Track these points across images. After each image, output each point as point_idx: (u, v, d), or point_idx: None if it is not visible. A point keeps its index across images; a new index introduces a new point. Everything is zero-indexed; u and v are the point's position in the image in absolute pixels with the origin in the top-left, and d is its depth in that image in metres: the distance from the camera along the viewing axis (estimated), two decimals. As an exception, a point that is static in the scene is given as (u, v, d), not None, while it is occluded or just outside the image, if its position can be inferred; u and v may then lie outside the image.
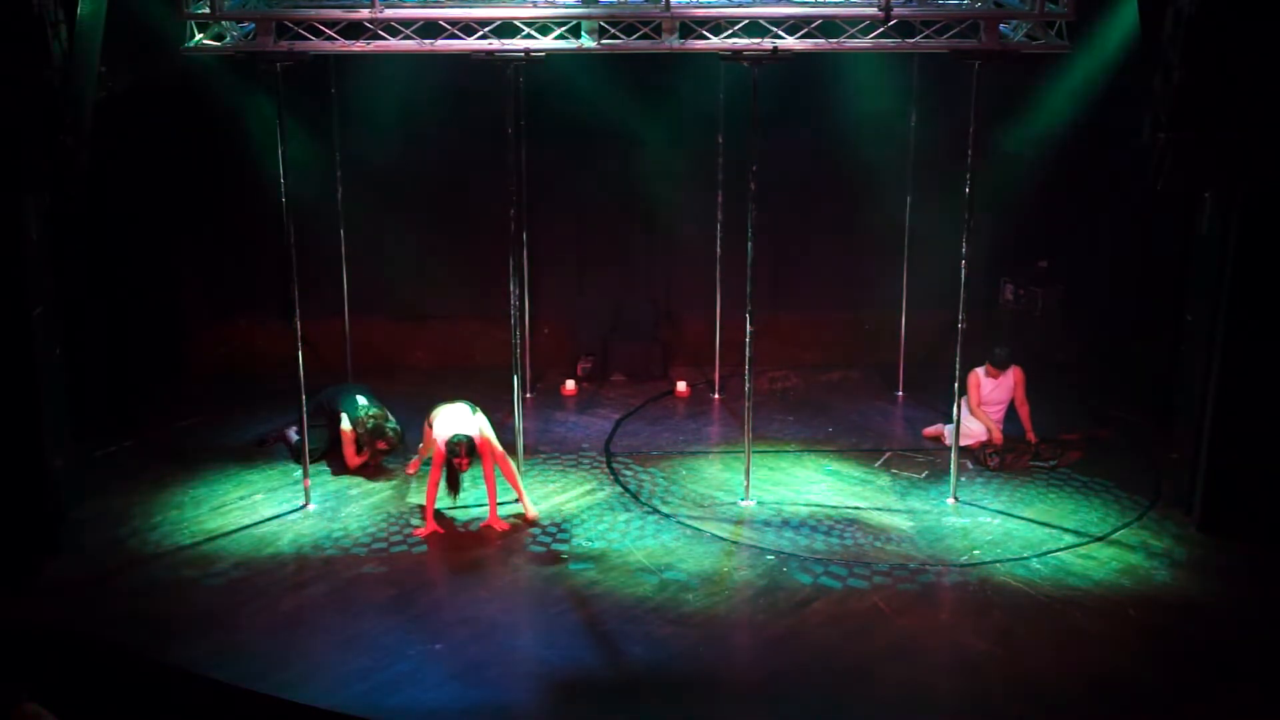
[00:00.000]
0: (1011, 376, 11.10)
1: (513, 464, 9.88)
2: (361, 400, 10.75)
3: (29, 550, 8.96)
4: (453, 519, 9.77)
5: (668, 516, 9.83)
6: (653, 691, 7.72)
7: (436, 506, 9.64)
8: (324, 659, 7.91)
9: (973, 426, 10.93)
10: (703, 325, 12.72)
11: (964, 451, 10.55)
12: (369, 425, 10.56)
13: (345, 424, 10.60)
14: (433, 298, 13.63)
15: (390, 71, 12.15)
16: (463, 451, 9.49)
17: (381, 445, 10.61)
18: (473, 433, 9.58)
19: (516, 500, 9.85)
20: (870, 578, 8.91)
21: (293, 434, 10.84)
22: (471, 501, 10.03)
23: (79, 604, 8.52)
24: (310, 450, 10.26)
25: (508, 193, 9.89)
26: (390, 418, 10.72)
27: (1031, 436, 10.98)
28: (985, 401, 11.08)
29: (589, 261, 13.72)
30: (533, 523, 9.65)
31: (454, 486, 9.60)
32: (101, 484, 10.22)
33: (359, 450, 10.61)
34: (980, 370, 11.07)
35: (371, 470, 10.64)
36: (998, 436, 10.94)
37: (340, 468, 10.65)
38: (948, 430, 10.75)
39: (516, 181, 10.33)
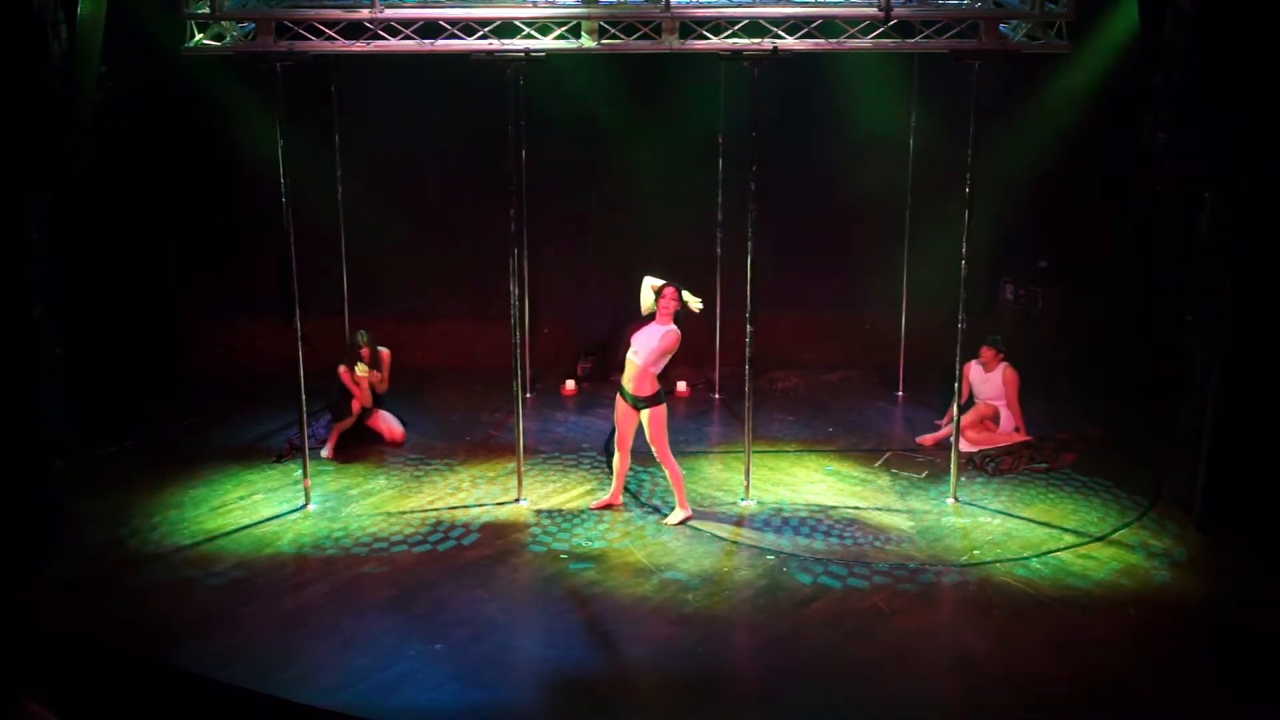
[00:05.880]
0: (1000, 375, 11.12)
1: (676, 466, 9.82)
2: None
3: (28, 550, 8.95)
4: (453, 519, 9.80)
5: (666, 515, 9.83)
6: (653, 691, 7.72)
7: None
8: (324, 659, 7.90)
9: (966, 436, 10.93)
10: (703, 325, 12.72)
11: (961, 456, 10.54)
12: (346, 350, 11.18)
13: (341, 367, 11.06)
14: (433, 298, 13.65)
15: (390, 71, 12.16)
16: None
17: (364, 352, 11.01)
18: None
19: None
20: (870, 578, 8.91)
21: (295, 438, 10.78)
22: (472, 501, 10.07)
23: (79, 604, 8.52)
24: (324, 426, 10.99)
25: (508, 193, 9.89)
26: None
27: (1023, 434, 11.02)
28: (976, 395, 11.12)
29: (589, 261, 13.72)
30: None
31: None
32: (101, 484, 10.22)
33: (350, 368, 11.03)
34: (973, 363, 11.11)
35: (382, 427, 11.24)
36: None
37: (354, 438, 11.12)
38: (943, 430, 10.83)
39: (516, 181, 10.33)
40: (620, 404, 9.68)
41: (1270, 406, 9.30)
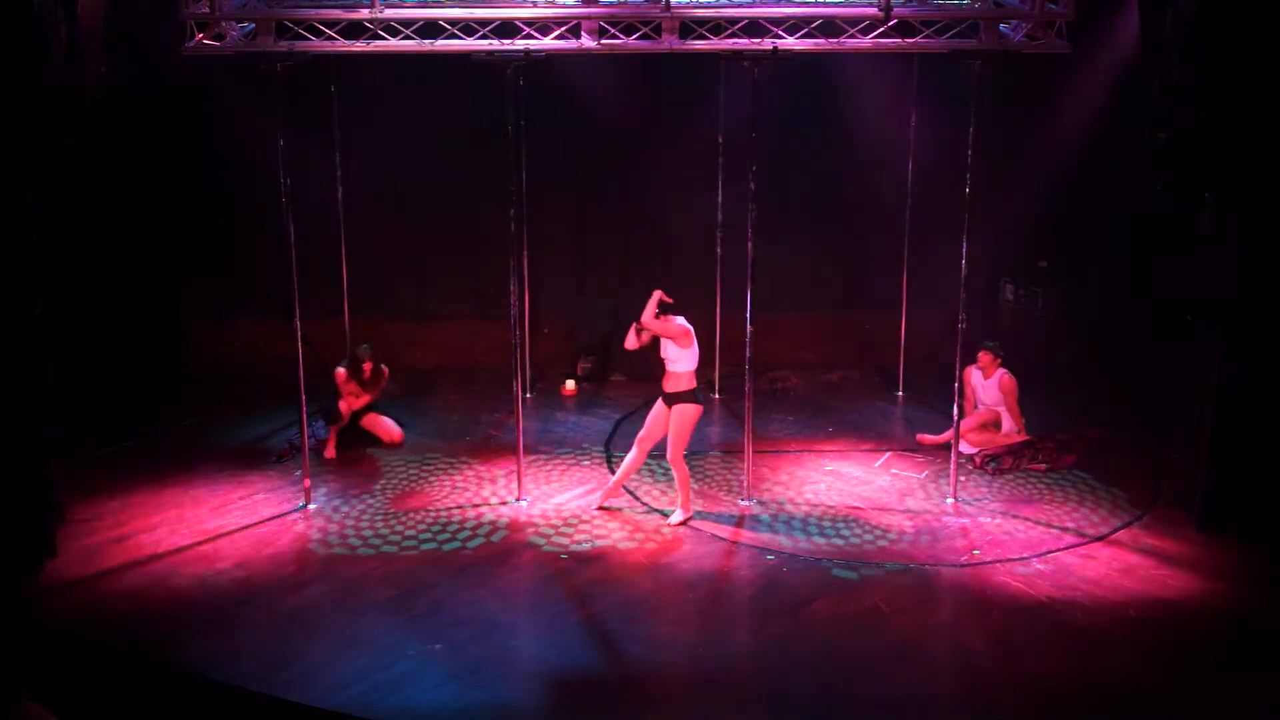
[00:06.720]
0: (998, 382, 11.11)
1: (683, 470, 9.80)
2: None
3: (28, 550, 8.95)
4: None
5: (667, 516, 9.83)
6: (653, 691, 7.72)
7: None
8: (324, 659, 7.90)
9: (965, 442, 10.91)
10: (703, 325, 12.70)
11: (961, 456, 10.53)
12: (349, 358, 11.18)
13: (339, 370, 11.11)
14: (433, 298, 13.65)
15: (390, 71, 12.16)
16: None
17: (366, 366, 11.03)
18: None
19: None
20: (869, 577, 8.91)
21: (295, 438, 10.80)
22: (472, 501, 10.07)
23: (79, 604, 8.52)
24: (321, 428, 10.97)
25: (508, 193, 9.89)
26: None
27: (1023, 434, 11.04)
28: (978, 401, 11.14)
29: (589, 261, 13.73)
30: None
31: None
32: (101, 484, 10.22)
33: (350, 376, 11.05)
34: (972, 368, 11.11)
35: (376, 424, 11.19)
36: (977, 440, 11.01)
37: (346, 441, 11.06)
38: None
39: (516, 181, 10.33)
40: (659, 405, 9.72)
41: (1270, 406, 9.30)
